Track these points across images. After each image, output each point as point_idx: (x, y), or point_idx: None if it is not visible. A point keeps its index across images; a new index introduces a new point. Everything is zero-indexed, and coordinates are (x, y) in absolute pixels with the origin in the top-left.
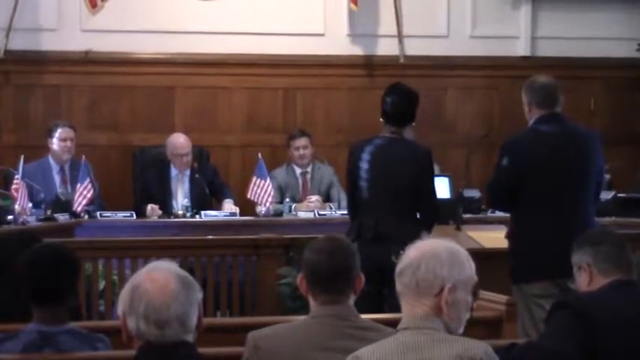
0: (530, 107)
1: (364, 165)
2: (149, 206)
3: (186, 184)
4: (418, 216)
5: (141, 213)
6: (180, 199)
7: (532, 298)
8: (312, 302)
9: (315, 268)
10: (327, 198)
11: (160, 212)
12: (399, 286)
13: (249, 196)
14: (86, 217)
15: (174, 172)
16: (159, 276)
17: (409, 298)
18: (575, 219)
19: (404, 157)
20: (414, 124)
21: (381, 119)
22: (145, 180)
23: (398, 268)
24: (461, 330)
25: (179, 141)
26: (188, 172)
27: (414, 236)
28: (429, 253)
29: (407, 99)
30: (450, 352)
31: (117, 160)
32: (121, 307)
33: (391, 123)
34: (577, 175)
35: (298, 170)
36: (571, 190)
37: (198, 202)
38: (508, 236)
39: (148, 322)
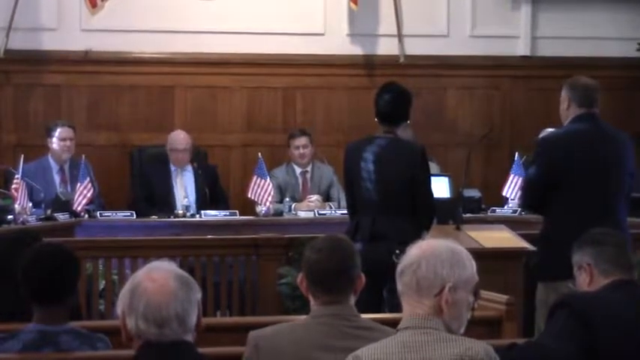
0: (568, 105)
1: (369, 165)
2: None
3: (189, 182)
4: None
5: (141, 211)
6: (180, 197)
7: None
8: (312, 302)
9: (315, 267)
10: (327, 197)
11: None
12: (400, 286)
13: (249, 196)
14: (86, 216)
15: (172, 168)
16: (158, 275)
17: (410, 297)
18: (609, 220)
19: (398, 157)
20: (408, 123)
21: (375, 119)
22: (146, 177)
23: (399, 267)
24: (462, 330)
25: (178, 136)
26: (189, 170)
27: (410, 236)
28: (429, 252)
29: (399, 98)
30: (451, 352)
31: (117, 159)
32: (120, 307)
33: (384, 122)
34: (611, 176)
35: (298, 170)
36: (605, 190)
37: (203, 201)
38: (541, 234)
39: (148, 321)
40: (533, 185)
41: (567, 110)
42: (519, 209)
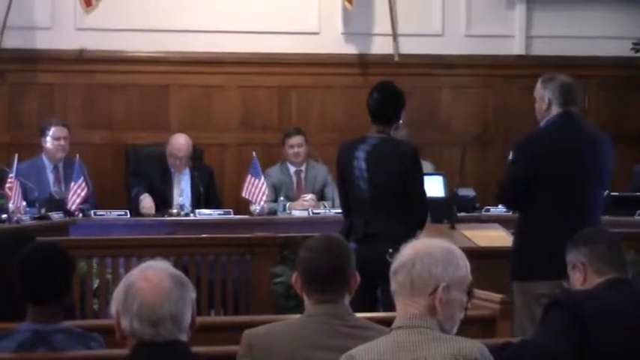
0: (548, 104)
1: (361, 164)
2: (143, 203)
3: (185, 182)
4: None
5: (136, 210)
6: (176, 197)
7: (536, 297)
8: (306, 301)
9: (310, 267)
10: (321, 196)
11: (153, 207)
12: (393, 285)
13: (243, 195)
14: (80, 215)
15: (172, 169)
16: (152, 275)
17: (404, 297)
18: (586, 220)
19: (391, 156)
20: (400, 123)
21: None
22: (145, 176)
23: (393, 266)
24: (455, 330)
25: (178, 142)
26: (186, 171)
27: (403, 235)
28: (423, 251)
29: (390, 98)
30: (445, 352)
31: (111, 158)
32: (114, 306)
33: (377, 122)
34: (590, 175)
35: (293, 169)
36: (584, 190)
37: (198, 201)
38: (515, 233)
39: (142, 320)
40: (514, 184)
41: (547, 109)
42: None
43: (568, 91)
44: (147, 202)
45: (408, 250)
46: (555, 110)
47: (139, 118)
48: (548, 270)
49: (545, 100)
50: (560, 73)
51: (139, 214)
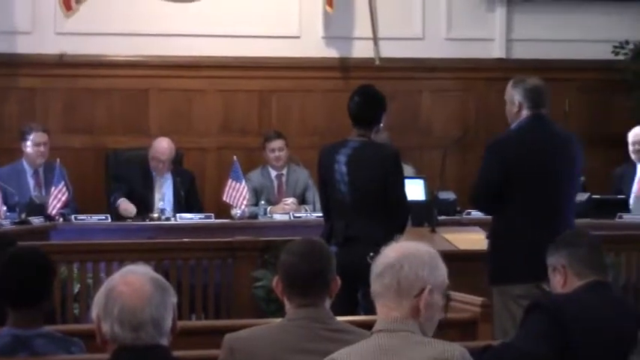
0: (519, 107)
1: (342, 167)
2: (125, 205)
3: (166, 187)
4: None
5: (115, 215)
6: (157, 201)
7: (514, 299)
8: (287, 305)
9: (291, 270)
10: (302, 200)
11: (134, 211)
12: (377, 287)
13: (224, 199)
14: (61, 220)
15: (154, 174)
16: (133, 279)
17: (387, 299)
18: (559, 221)
19: (371, 160)
20: (381, 126)
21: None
22: (126, 180)
23: (377, 268)
24: (432, 332)
25: (161, 145)
26: (168, 176)
27: (384, 238)
28: (410, 254)
29: (370, 101)
30: (427, 355)
31: (91, 162)
32: (95, 311)
33: (357, 125)
34: (562, 177)
35: (273, 172)
36: (556, 192)
37: (179, 205)
38: (489, 237)
39: (123, 325)
40: (485, 187)
41: (518, 112)
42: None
43: (538, 93)
44: (126, 205)
45: (393, 252)
46: (526, 113)
47: (119, 122)
48: (524, 272)
49: (516, 102)
50: (531, 76)
51: (120, 219)
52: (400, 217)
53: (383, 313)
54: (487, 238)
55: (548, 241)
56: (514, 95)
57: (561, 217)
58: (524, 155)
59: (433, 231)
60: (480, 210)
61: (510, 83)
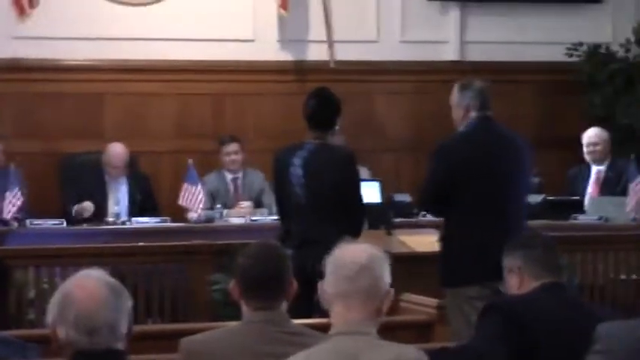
0: (465, 110)
1: (298, 170)
2: (80, 205)
3: (121, 191)
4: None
5: (71, 220)
6: (112, 206)
7: (467, 300)
8: (244, 308)
9: (247, 274)
10: (258, 203)
11: (92, 208)
12: (348, 288)
13: (180, 203)
14: (16, 225)
15: (108, 178)
16: (88, 284)
17: (354, 300)
18: (508, 222)
19: (327, 162)
20: (337, 129)
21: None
22: (79, 185)
23: (349, 270)
24: None
25: (115, 150)
26: (123, 180)
27: (339, 241)
28: (376, 255)
29: (325, 104)
30: (386, 358)
31: (46, 167)
32: (50, 316)
33: (313, 128)
34: (510, 179)
35: (229, 176)
36: (505, 193)
37: (134, 210)
38: (441, 240)
39: (78, 330)
40: (433, 191)
41: (464, 115)
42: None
43: (484, 96)
44: (81, 205)
45: (362, 253)
46: (472, 115)
47: (74, 126)
48: (475, 274)
49: (463, 105)
50: (476, 79)
51: (76, 223)
52: (356, 219)
53: (342, 315)
54: (439, 240)
55: (498, 243)
56: (460, 98)
57: (510, 218)
58: (471, 158)
59: (389, 233)
60: (429, 213)
61: (456, 87)
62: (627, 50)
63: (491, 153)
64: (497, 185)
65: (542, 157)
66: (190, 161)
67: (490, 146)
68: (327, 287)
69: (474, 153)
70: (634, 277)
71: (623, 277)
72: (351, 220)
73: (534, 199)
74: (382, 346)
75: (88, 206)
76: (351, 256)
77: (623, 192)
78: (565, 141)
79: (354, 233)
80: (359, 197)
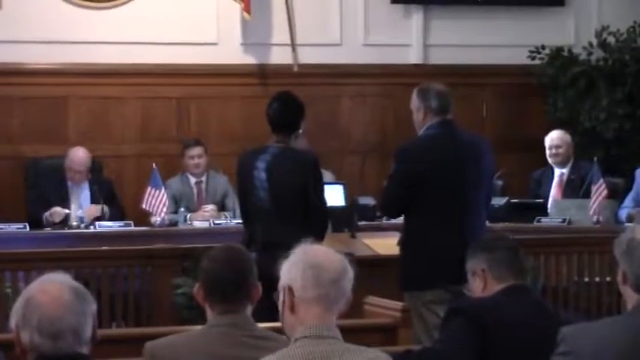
0: (425, 114)
1: (261, 174)
2: (51, 210)
3: (84, 196)
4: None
5: (36, 223)
6: (75, 210)
7: (426, 304)
8: (209, 312)
9: (212, 277)
10: (222, 207)
11: (64, 213)
12: (330, 292)
13: (143, 206)
14: None
15: (69, 183)
16: (52, 288)
17: (335, 304)
18: (468, 226)
19: (290, 166)
20: (301, 132)
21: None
22: (41, 189)
23: (334, 273)
24: None
25: (77, 155)
26: (85, 185)
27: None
28: (345, 260)
29: (288, 107)
30: None
31: (9, 171)
32: (14, 320)
33: (276, 131)
34: (470, 182)
35: (193, 179)
36: (464, 196)
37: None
38: (400, 243)
39: (42, 334)
40: (394, 195)
41: (424, 119)
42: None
43: (444, 99)
44: (56, 210)
45: (335, 256)
46: (432, 119)
47: (37, 130)
48: (433, 278)
49: (422, 109)
50: (435, 82)
51: (38, 227)
52: (319, 222)
53: (314, 318)
54: (397, 244)
55: (456, 247)
56: (420, 102)
57: (470, 222)
58: (430, 162)
59: (353, 236)
60: (390, 216)
61: (415, 91)
62: (590, 53)
63: (451, 157)
64: (456, 189)
65: (505, 159)
66: (154, 165)
67: (450, 150)
68: (304, 289)
69: (434, 157)
70: (597, 279)
71: (586, 279)
72: (314, 223)
73: (497, 201)
74: (352, 350)
75: (59, 211)
76: (329, 258)
77: (586, 194)
78: (528, 143)
79: (318, 236)
80: (322, 201)
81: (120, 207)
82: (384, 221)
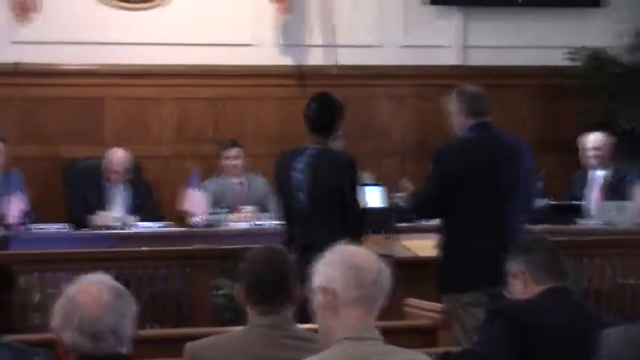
0: (462, 116)
1: (299, 175)
2: (101, 214)
3: (122, 196)
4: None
5: (77, 222)
6: (114, 211)
7: (463, 307)
8: (250, 313)
9: (253, 278)
10: (261, 208)
11: (112, 216)
12: (371, 293)
13: (184, 208)
14: (20, 229)
15: (107, 184)
16: (92, 288)
17: (375, 305)
18: (505, 228)
19: (328, 167)
20: (339, 133)
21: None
22: (79, 189)
23: (374, 273)
24: None
25: (116, 155)
26: (124, 186)
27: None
28: (380, 260)
29: (327, 108)
30: None
31: (47, 172)
32: (55, 320)
33: (314, 133)
34: (508, 184)
35: (231, 181)
36: (502, 199)
37: (134, 215)
38: (438, 246)
39: (83, 334)
40: (429, 197)
41: (461, 121)
42: None
43: (481, 101)
44: (102, 214)
45: (372, 256)
46: (469, 121)
47: (73, 131)
48: (471, 280)
49: (459, 112)
50: (470, 84)
51: (81, 225)
52: (355, 224)
53: (358, 319)
54: (436, 246)
55: (494, 249)
56: (457, 105)
57: (507, 224)
58: (465, 163)
59: (392, 238)
60: (423, 217)
61: (452, 94)
62: (628, 54)
63: (486, 159)
64: (492, 191)
65: (544, 161)
66: (192, 166)
67: (485, 152)
68: (345, 290)
69: (469, 158)
70: None
71: (630, 281)
72: (351, 224)
73: (538, 202)
74: (392, 351)
75: (107, 215)
76: (367, 259)
77: (625, 196)
78: (566, 145)
79: (355, 237)
80: (358, 203)
81: (156, 208)
82: (423, 223)
